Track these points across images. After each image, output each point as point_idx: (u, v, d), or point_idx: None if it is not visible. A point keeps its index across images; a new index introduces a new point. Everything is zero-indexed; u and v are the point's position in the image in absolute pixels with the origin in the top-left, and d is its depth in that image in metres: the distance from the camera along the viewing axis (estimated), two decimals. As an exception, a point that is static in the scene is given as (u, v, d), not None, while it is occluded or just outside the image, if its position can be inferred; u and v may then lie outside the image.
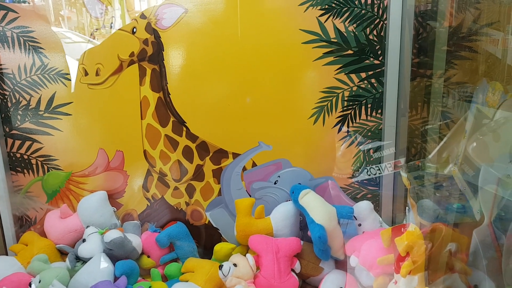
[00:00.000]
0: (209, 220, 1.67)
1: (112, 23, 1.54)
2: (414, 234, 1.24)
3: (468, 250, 1.31)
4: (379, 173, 1.58)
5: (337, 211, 1.47)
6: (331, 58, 1.48)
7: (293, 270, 1.46)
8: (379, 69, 1.48)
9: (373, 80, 1.50)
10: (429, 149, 1.58)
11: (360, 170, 1.60)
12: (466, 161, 1.40)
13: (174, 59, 1.54)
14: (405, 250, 1.22)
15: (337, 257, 1.48)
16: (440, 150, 1.50)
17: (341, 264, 1.51)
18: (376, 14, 1.45)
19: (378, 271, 1.32)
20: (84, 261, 1.48)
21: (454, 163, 1.46)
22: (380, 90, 1.50)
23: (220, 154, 1.61)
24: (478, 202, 1.30)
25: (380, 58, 1.47)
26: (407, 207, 1.48)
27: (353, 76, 1.50)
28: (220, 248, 1.54)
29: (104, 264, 1.41)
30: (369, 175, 1.59)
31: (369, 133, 1.55)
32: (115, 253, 1.46)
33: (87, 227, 1.54)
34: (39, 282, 1.36)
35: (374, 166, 1.57)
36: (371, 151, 1.56)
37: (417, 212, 1.43)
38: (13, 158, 1.64)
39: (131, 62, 1.55)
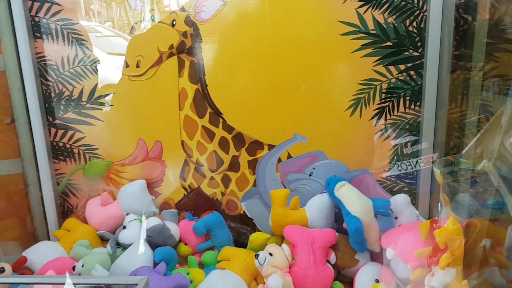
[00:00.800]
0: (244, 210, 1.69)
1: (152, 16, 1.57)
2: (453, 227, 1.23)
3: (503, 246, 1.30)
4: (411, 169, 1.57)
5: (373, 204, 1.47)
6: (369, 50, 1.48)
7: (328, 262, 1.47)
8: (419, 61, 1.47)
9: (412, 72, 1.48)
10: (468, 142, 1.56)
11: (391, 164, 1.59)
12: (501, 157, 1.38)
13: (212, 51, 1.56)
14: (444, 243, 1.22)
15: (373, 249, 1.48)
16: (475, 146, 1.48)
17: (376, 257, 1.51)
18: (416, 5, 1.44)
19: (415, 264, 1.32)
20: (124, 247, 1.53)
21: (488, 159, 1.43)
22: (419, 83, 1.49)
23: (256, 146, 1.63)
24: None
25: (419, 50, 1.46)
26: (439, 203, 1.47)
27: (391, 68, 1.49)
28: (255, 237, 1.56)
29: (144, 249, 1.45)
30: (400, 170, 1.58)
31: (407, 126, 1.54)
32: (154, 240, 1.50)
33: (127, 214, 1.59)
34: (82, 266, 1.41)
35: (405, 162, 1.56)
36: (408, 144, 1.55)
37: (450, 208, 1.42)
38: (56, 147, 1.70)
39: (171, 54, 1.58)
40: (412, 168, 1.56)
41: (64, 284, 1.21)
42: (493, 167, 1.40)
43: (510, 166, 1.34)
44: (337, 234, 1.51)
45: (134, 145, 1.67)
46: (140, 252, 1.44)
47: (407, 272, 1.37)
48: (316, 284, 1.41)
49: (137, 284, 1.17)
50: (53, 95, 1.65)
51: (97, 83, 1.63)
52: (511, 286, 1.25)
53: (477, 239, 1.30)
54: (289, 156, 1.63)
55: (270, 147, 1.63)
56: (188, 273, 1.46)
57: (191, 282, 1.44)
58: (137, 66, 1.60)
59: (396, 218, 1.51)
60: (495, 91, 1.50)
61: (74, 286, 1.25)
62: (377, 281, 1.42)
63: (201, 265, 1.57)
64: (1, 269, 1.26)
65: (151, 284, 1.34)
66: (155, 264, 1.46)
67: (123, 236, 1.53)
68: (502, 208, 1.33)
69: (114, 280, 1.18)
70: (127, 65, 1.60)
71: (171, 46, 1.57)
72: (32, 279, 1.21)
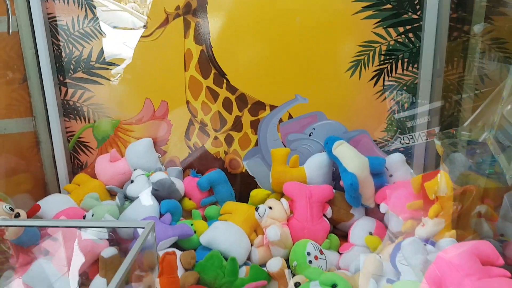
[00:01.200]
0: (246, 169, 1.77)
1: (159, -22, 1.62)
2: (443, 179, 1.30)
3: (491, 198, 1.36)
4: (413, 142, 1.62)
5: (369, 162, 1.54)
6: (370, 12, 1.52)
7: (324, 215, 1.54)
8: (417, 24, 1.51)
9: (410, 35, 1.53)
10: (464, 105, 1.61)
11: (393, 138, 1.64)
12: (501, 128, 1.43)
13: (217, 13, 1.61)
14: (434, 194, 1.28)
15: (368, 205, 1.55)
16: (476, 118, 1.53)
17: (371, 212, 1.58)
18: (415, -32, 1.47)
19: (406, 216, 1.39)
20: (131, 200, 1.61)
21: (489, 131, 1.48)
22: (417, 45, 1.53)
23: (258, 106, 1.69)
24: (511, 168, 1.33)
25: (418, 13, 1.50)
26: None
27: (391, 30, 1.53)
28: (256, 193, 1.64)
29: (150, 201, 1.53)
30: (402, 144, 1.64)
31: (405, 88, 1.59)
32: (160, 193, 1.58)
33: (135, 169, 1.67)
34: (92, 215, 1.50)
35: (407, 135, 1.61)
36: (405, 105, 1.61)
37: (444, 163, 1.48)
38: (67, 106, 1.77)
39: (176, 15, 1.63)
40: (414, 142, 1.62)
41: (76, 227, 1.30)
42: (493, 138, 1.45)
43: (509, 137, 1.39)
44: (334, 190, 1.58)
45: (141, 105, 1.74)
46: (146, 203, 1.52)
47: (400, 225, 1.44)
48: (312, 235, 1.48)
49: (143, 228, 1.26)
50: (63, 55, 1.72)
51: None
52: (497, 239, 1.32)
53: (471, 205, 1.36)
54: (290, 117, 1.69)
55: (272, 107, 1.69)
56: (192, 224, 1.55)
57: (194, 232, 1.52)
58: (144, 27, 1.65)
59: (391, 176, 1.58)
60: (492, 56, 1.54)
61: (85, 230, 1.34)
62: (370, 234, 1.50)
63: (205, 219, 1.65)
64: (17, 214, 1.34)
65: (157, 232, 1.42)
66: (161, 216, 1.54)
67: (131, 190, 1.61)
68: (500, 178, 1.38)
69: (122, 224, 1.26)
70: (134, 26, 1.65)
71: (177, 7, 1.62)
72: (45, 222, 1.29)
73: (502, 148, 1.38)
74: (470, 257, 0.98)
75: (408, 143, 1.62)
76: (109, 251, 1.28)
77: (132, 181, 1.64)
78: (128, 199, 1.63)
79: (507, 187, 1.35)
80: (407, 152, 1.63)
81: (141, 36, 1.66)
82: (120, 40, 1.68)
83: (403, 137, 1.63)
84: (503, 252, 1.14)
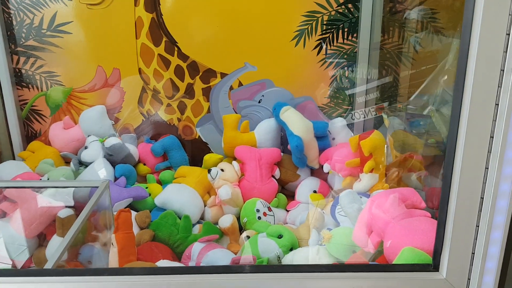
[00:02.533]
0: (199, 135, 1.84)
1: None
2: (377, 138, 1.43)
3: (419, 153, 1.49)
4: (364, 117, 1.73)
5: (313, 126, 1.65)
6: (312, -17, 1.61)
7: (273, 176, 1.65)
8: (356, -5, 1.62)
9: (349, 5, 1.63)
10: (400, 74, 1.73)
11: (346, 114, 1.75)
12: (441, 98, 1.56)
13: (167, -19, 1.65)
14: (369, 151, 1.41)
15: (313, 166, 1.67)
16: (421, 92, 1.65)
17: (316, 172, 1.70)
18: None
19: (346, 173, 1.52)
20: (86, 165, 1.65)
21: (432, 103, 1.61)
22: (356, 15, 1.64)
23: (209, 74, 1.76)
24: None
25: (357, -16, 1.61)
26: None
27: (331, 1, 1.63)
28: (209, 157, 1.72)
29: (103, 171, 1.58)
30: (353, 119, 1.75)
31: (345, 56, 1.70)
32: (114, 158, 1.63)
33: (88, 136, 1.71)
34: (48, 179, 1.53)
35: (358, 111, 1.72)
36: (347, 72, 1.72)
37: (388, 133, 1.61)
38: (19, 74, 1.77)
39: (127, -16, 1.66)
40: (365, 117, 1.73)
41: (32, 188, 1.34)
42: (436, 111, 1.58)
43: (447, 104, 1.51)
44: (282, 153, 1.69)
45: (94, 72, 1.77)
46: (100, 169, 1.57)
47: (341, 183, 1.57)
48: (262, 195, 1.59)
49: (97, 187, 1.31)
50: (14, 22, 1.71)
51: (56, 11, 1.69)
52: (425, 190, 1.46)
53: (411, 170, 1.49)
54: (240, 84, 1.77)
55: (223, 75, 1.76)
56: (146, 188, 1.61)
57: (149, 194, 1.59)
58: (95, -5, 1.67)
59: (333, 139, 1.70)
60: (426, 28, 1.67)
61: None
62: (315, 192, 1.62)
63: (159, 183, 1.72)
64: (-29, 178, 1.37)
65: (112, 194, 1.47)
66: (116, 180, 1.60)
67: (85, 155, 1.65)
68: (440, 147, 1.52)
69: (77, 184, 1.31)
70: (85, -6, 1.67)
71: (127, -24, 1.65)
72: (1, 183, 1.32)
73: (441, 116, 1.51)
74: (395, 201, 1.11)
75: (359, 118, 1.74)
76: (65, 212, 1.33)
77: (86, 147, 1.67)
78: (83, 164, 1.67)
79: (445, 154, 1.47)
80: (350, 124, 1.74)
81: (92, 4, 1.68)
82: (71, 8, 1.69)
83: (355, 112, 1.74)
84: (426, 198, 1.28)
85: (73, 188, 1.39)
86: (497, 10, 0.62)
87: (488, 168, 0.72)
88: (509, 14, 0.62)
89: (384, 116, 1.70)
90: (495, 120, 0.69)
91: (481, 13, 0.62)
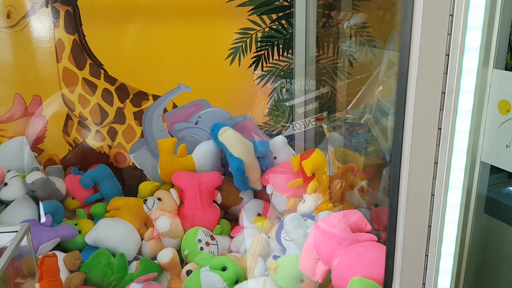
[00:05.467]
0: (133, 162, 1.72)
1: (20, -38, 1.50)
2: (318, 157, 1.38)
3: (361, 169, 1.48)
4: (304, 128, 1.70)
5: (254, 146, 1.59)
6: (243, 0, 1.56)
7: (215, 202, 1.57)
8: (288, 11, 1.58)
9: (283, 21, 1.60)
10: (338, 87, 1.72)
11: (287, 125, 1.71)
12: (379, 109, 1.56)
13: (87, 0, 1.53)
14: (311, 171, 1.37)
15: (255, 187, 1.61)
16: (357, 102, 1.65)
17: (259, 194, 1.64)
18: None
19: (289, 194, 1.46)
20: (7, 204, 1.49)
21: (369, 112, 1.60)
22: (290, 31, 1.61)
23: (140, 97, 1.66)
24: (388, 145, 1.46)
25: (289, 0, 1.57)
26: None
27: (264, 17, 1.59)
28: (144, 186, 1.61)
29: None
30: (295, 130, 1.71)
31: (282, 73, 1.66)
32: (38, 194, 1.48)
33: (8, 171, 1.54)
34: (-40, 225, 1.36)
35: (299, 121, 1.69)
36: (284, 89, 1.68)
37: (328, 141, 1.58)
38: None
39: (43, 4, 1.52)
40: (305, 127, 1.69)
41: None
42: (373, 119, 1.57)
43: (383, 113, 1.51)
44: (223, 176, 1.61)
45: (11, 101, 1.61)
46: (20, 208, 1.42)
47: (285, 204, 1.52)
48: (204, 223, 1.50)
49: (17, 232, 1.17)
50: None
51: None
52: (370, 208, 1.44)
53: (353, 181, 1.46)
54: (175, 106, 1.68)
55: (155, 97, 1.66)
56: (76, 224, 1.48)
57: (79, 232, 1.46)
58: (8, 16, 1.52)
59: (275, 158, 1.65)
60: (359, 41, 1.67)
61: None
62: (259, 215, 1.55)
63: (91, 217, 1.59)
64: None
65: (36, 235, 1.33)
66: (41, 219, 1.45)
67: (5, 193, 1.49)
68: (379, 155, 1.51)
69: (-8, 230, 1.16)
70: (-5, 15, 1.52)
71: (43, -5, 1.52)
72: None
73: (379, 126, 1.50)
74: (341, 226, 1.06)
75: (300, 129, 1.70)
76: (-21, 262, 1.18)
77: (5, 184, 1.51)
78: (3, 203, 1.51)
79: (385, 163, 1.47)
80: (291, 134, 1.71)
81: (6, 27, 1.53)
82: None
83: (295, 123, 1.70)
84: (371, 218, 1.25)
85: None
86: (435, 30, 0.58)
87: (434, 195, 0.68)
88: (448, 34, 0.58)
89: (324, 126, 1.68)
90: (439, 145, 0.65)
91: (419, 34, 0.58)
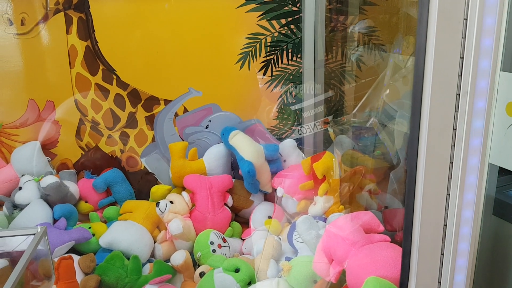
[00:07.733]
0: (144, 166, 1.74)
1: (34, -29, 1.52)
2: (329, 159, 1.40)
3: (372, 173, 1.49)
4: (310, 132, 1.72)
5: (264, 149, 1.61)
6: (253, 5, 1.58)
7: (226, 204, 1.58)
8: (297, 16, 1.60)
9: (292, 26, 1.62)
10: (346, 90, 1.74)
11: (292, 130, 1.73)
12: (385, 112, 1.57)
13: (100, 7, 1.55)
14: (322, 173, 1.38)
15: (266, 190, 1.62)
16: (363, 105, 1.66)
17: (269, 197, 1.65)
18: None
19: (300, 196, 1.48)
20: (21, 208, 1.51)
21: (375, 116, 1.62)
22: (299, 36, 1.63)
23: (152, 101, 1.67)
24: (395, 148, 1.47)
25: (298, 5, 1.59)
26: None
27: (274, 22, 1.61)
28: (156, 189, 1.63)
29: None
30: (300, 134, 1.73)
31: (291, 77, 1.68)
32: (52, 198, 1.50)
33: (22, 175, 1.57)
34: (-24, 229, 1.38)
35: (305, 125, 1.70)
36: (293, 93, 1.70)
37: (335, 145, 1.60)
38: None
39: (57, 11, 1.55)
40: (311, 131, 1.71)
41: (-44, 242, 1.19)
42: (379, 122, 1.58)
43: (389, 117, 1.52)
44: (233, 179, 1.63)
45: (25, 106, 1.63)
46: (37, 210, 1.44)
47: (295, 206, 1.53)
48: (215, 225, 1.52)
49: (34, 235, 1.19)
50: None
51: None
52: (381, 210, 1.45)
53: (361, 184, 1.48)
54: (186, 110, 1.70)
55: (166, 102, 1.68)
56: (90, 227, 1.50)
57: (93, 235, 1.47)
58: (22, 23, 1.55)
59: (285, 161, 1.66)
60: (367, 45, 1.68)
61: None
62: (269, 217, 1.57)
63: (104, 221, 1.60)
64: None
65: (51, 238, 1.35)
66: (55, 222, 1.47)
67: (19, 197, 1.51)
68: (386, 158, 1.52)
69: (10, 233, 1.18)
70: (11, 22, 1.54)
71: (57, 2, 1.54)
72: None
73: (386, 129, 1.52)
74: (354, 227, 1.07)
75: (306, 133, 1.72)
76: (-2, 264, 1.20)
77: (20, 188, 1.53)
78: (17, 207, 1.52)
79: (392, 166, 1.48)
80: (298, 138, 1.72)
81: (19, 34, 1.55)
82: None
83: (301, 127, 1.72)
84: (383, 220, 1.27)
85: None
86: (450, 33, 0.60)
87: (449, 195, 0.70)
88: (462, 37, 0.60)
89: (330, 130, 1.70)
90: (454, 146, 0.67)
91: (434, 37, 0.59)
